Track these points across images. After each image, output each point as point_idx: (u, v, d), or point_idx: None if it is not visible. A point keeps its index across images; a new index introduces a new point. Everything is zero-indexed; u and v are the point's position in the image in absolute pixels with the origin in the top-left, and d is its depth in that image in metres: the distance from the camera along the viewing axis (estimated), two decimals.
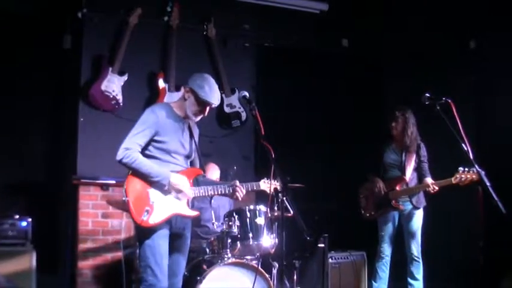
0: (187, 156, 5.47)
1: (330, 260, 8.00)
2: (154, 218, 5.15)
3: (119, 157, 5.21)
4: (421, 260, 7.40)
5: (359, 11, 9.33)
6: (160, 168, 5.22)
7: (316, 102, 9.17)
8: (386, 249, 7.51)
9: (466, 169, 6.68)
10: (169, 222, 5.27)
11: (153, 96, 8.19)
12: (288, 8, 9.05)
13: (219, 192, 5.51)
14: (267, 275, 6.49)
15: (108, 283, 7.86)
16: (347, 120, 9.13)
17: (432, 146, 7.71)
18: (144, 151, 5.27)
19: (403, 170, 7.46)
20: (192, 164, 5.59)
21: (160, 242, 5.18)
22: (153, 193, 5.23)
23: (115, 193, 7.94)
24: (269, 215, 6.78)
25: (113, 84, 7.93)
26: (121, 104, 7.99)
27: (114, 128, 7.98)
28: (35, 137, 8.08)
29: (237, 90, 8.54)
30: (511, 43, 8.03)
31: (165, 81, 8.20)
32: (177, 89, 8.19)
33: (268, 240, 6.69)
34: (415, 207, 7.43)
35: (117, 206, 7.04)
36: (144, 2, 8.20)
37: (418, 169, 7.52)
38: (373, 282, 7.62)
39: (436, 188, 7.11)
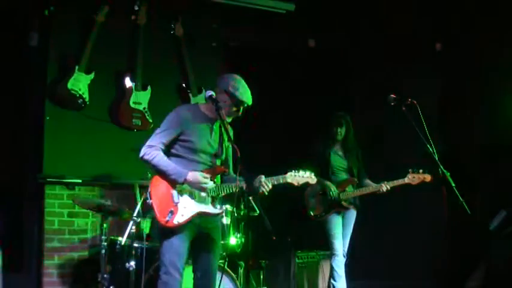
0: (216, 156, 5.50)
1: (297, 260, 8.04)
2: (178, 218, 5.23)
3: (141, 154, 5.35)
4: (346, 256, 7.66)
5: (325, 11, 9.36)
6: (177, 166, 5.31)
7: (283, 102, 9.20)
8: (339, 247, 7.64)
9: (416, 170, 7.16)
10: (194, 223, 5.32)
11: (120, 95, 8.15)
12: (255, 8, 9.06)
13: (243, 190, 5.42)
14: (233, 275, 6.51)
15: (74, 283, 7.81)
16: (313, 120, 9.16)
17: (394, 146, 7.81)
18: (170, 150, 5.40)
19: (351, 172, 7.79)
20: (224, 163, 5.62)
21: (178, 242, 5.26)
22: (177, 194, 5.30)
23: (81, 192, 7.91)
24: (235, 214, 6.81)
25: (80, 83, 7.87)
26: (87, 103, 7.93)
27: (80, 127, 7.94)
28: None
29: (204, 90, 8.53)
30: (476, 45, 8.13)
31: (132, 80, 8.17)
32: (144, 88, 8.17)
33: (234, 240, 6.71)
34: (356, 209, 7.81)
35: (83, 205, 7.02)
36: (111, 1, 8.15)
37: (357, 172, 7.85)
38: (332, 281, 7.69)
39: (389, 188, 7.37)
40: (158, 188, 5.32)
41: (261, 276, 7.53)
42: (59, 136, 7.89)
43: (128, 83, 8.15)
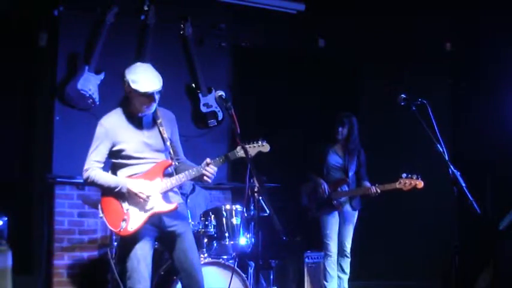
0: (158, 150, 5.35)
1: (306, 260, 8.04)
2: (132, 225, 5.13)
3: (83, 179, 5.28)
4: (350, 256, 7.78)
5: (335, 12, 9.34)
6: (116, 178, 5.24)
7: (292, 102, 9.19)
8: (333, 247, 7.74)
9: (409, 175, 7.23)
10: (154, 224, 5.25)
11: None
12: (265, 8, 9.05)
13: (192, 177, 5.29)
14: (243, 275, 6.51)
15: (83, 283, 7.82)
16: (322, 120, 9.14)
17: (404, 146, 7.80)
18: (112, 161, 5.33)
19: (346, 172, 7.84)
20: (175, 152, 5.49)
21: (137, 246, 5.16)
22: (126, 201, 5.20)
23: (91, 192, 7.91)
24: (245, 214, 6.80)
25: (89, 83, 7.89)
26: (97, 103, 7.95)
27: (90, 127, 7.85)
28: (9, 135, 8.02)
29: (213, 90, 8.53)
30: (487, 45, 8.11)
31: None
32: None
33: (244, 240, 6.71)
34: (354, 208, 7.87)
35: (93, 206, 7.02)
36: (121, 1, 8.16)
37: (357, 173, 7.91)
38: (324, 282, 7.79)
39: (379, 191, 7.47)
40: (107, 202, 5.24)
41: (271, 277, 7.52)
42: (68, 136, 7.90)
43: None
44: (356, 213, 7.88)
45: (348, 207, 7.84)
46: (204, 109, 8.58)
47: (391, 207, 7.80)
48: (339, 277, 7.80)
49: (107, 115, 5.46)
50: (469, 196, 5.37)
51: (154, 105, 5.28)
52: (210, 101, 8.59)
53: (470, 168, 6.26)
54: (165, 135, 5.39)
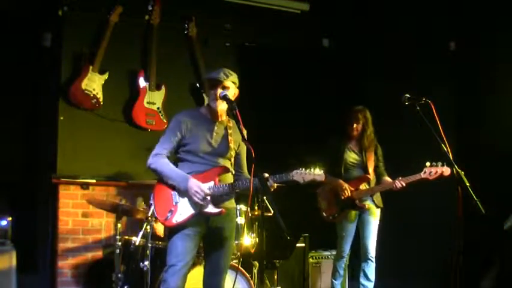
0: (220, 155, 5.51)
1: (311, 260, 8.03)
2: (177, 218, 5.29)
3: (148, 163, 5.45)
4: (374, 261, 7.43)
5: (340, 11, 9.35)
6: (180, 173, 5.38)
7: (297, 101, 9.19)
8: (347, 249, 7.52)
9: (434, 163, 6.69)
10: (200, 222, 5.37)
11: (134, 95, 8.17)
12: (269, 8, 9.06)
13: (246, 188, 5.35)
14: (247, 275, 6.51)
15: (88, 283, 7.83)
16: (327, 119, 9.14)
17: (408, 146, 7.78)
18: (177, 155, 5.50)
19: (365, 169, 7.50)
20: (235, 163, 5.62)
21: (180, 242, 5.32)
22: (178, 194, 5.36)
23: (95, 192, 7.93)
24: (249, 214, 6.80)
25: (94, 83, 7.90)
26: (101, 103, 7.96)
27: (94, 126, 7.98)
28: (13, 135, 8.03)
29: None
30: (490, 44, 8.09)
31: (146, 80, 8.18)
32: (158, 88, 8.20)
33: (248, 240, 6.71)
34: (377, 207, 7.51)
35: (98, 205, 7.03)
36: (125, 1, 8.17)
37: (375, 169, 7.57)
38: (333, 280, 7.60)
39: (404, 184, 7.06)
40: (160, 189, 5.43)
41: (275, 276, 7.51)
42: (73, 136, 7.93)
43: (142, 83, 8.17)
44: (379, 212, 7.52)
45: (369, 206, 7.45)
46: None
47: (392, 207, 7.74)
48: (362, 285, 7.42)
49: (185, 111, 5.68)
50: (474, 196, 5.37)
51: (220, 102, 5.45)
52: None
53: (474, 168, 6.26)
54: (232, 145, 5.55)
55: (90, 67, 7.90)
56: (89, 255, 7.93)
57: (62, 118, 7.90)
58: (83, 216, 7.92)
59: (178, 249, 5.32)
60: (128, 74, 8.27)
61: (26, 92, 8.10)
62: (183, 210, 5.32)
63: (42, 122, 8.17)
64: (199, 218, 5.35)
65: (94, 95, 7.89)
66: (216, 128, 5.53)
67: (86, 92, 7.85)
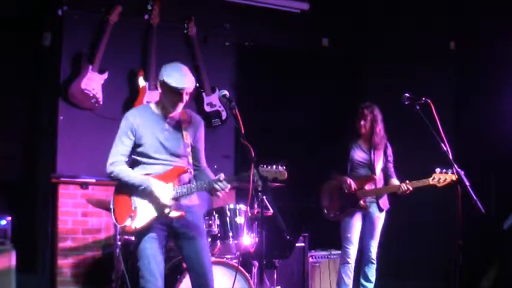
0: (175, 154, 5.32)
1: (310, 259, 8.02)
2: (136, 223, 5.16)
3: (107, 172, 5.29)
4: (376, 262, 7.31)
5: (339, 11, 9.35)
6: (142, 177, 5.21)
7: (296, 101, 9.19)
8: (353, 253, 7.26)
9: (444, 170, 6.50)
10: (164, 224, 5.27)
11: (133, 95, 8.17)
12: (269, 7, 9.06)
13: (202, 189, 5.29)
14: (247, 274, 6.51)
15: (87, 282, 7.83)
16: (327, 119, 9.15)
17: (408, 146, 7.77)
18: (132, 157, 5.32)
19: (372, 169, 7.28)
20: (194, 159, 5.45)
21: (147, 245, 5.20)
22: (136, 199, 5.22)
23: (95, 192, 7.93)
24: (249, 214, 6.80)
25: (93, 83, 7.89)
26: (101, 103, 7.95)
27: (94, 126, 7.97)
28: (13, 135, 8.03)
29: (217, 89, 8.52)
30: (490, 44, 8.10)
31: (146, 79, 8.18)
32: (157, 88, 8.18)
33: (248, 239, 6.71)
34: (381, 209, 7.31)
35: (97, 205, 7.03)
36: (124, 0, 8.16)
37: (384, 170, 7.39)
38: None
39: (410, 188, 6.89)
40: (119, 195, 5.30)
41: (275, 276, 7.51)
42: (72, 135, 7.93)
43: (142, 82, 8.16)
44: (383, 214, 7.32)
45: (374, 208, 7.27)
46: (207, 108, 8.57)
47: (393, 206, 7.73)
48: (362, 285, 7.29)
49: (134, 108, 5.55)
50: (473, 195, 5.38)
51: (181, 106, 5.28)
52: (214, 100, 8.58)
53: (474, 168, 6.27)
54: (187, 141, 5.38)
55: (90, 67, 7.89)
56: (89, 255, 7.92)
57: (61, 118, 7.90)
58: (82, 216, 7.92)
59: (147, 251, 5.19)
60: (128, 74, 8.26)
61: (25, 91, 8.11)
62: (143, 215, 5.18)
63: (41, 121, 8.17)
64: (162, 220, 5.23)
65: (94, 94, 7.88)
66: (167, 125, 5.33)
67: (86, 91, 7.85)
